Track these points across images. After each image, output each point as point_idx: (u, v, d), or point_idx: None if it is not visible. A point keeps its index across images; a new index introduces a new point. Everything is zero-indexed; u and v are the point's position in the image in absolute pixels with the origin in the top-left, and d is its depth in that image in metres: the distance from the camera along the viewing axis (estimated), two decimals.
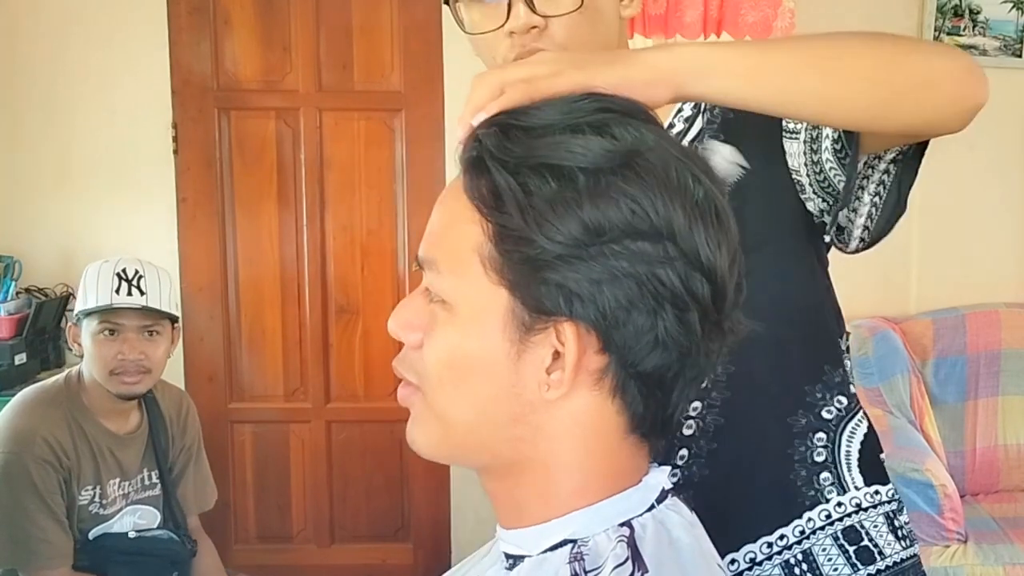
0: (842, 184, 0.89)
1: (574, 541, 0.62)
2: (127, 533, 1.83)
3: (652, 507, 0.64)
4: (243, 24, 2.82)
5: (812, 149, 0.89)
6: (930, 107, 0.75)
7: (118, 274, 1.74)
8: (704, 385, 0.90)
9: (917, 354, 2.76)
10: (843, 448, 0.95)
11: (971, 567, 2.31)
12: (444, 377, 0.63)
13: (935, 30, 2.84)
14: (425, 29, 2.80)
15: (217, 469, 2.12)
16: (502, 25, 0.89)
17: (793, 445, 0.94)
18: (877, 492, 0.96)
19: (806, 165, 0.91)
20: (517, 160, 0.59)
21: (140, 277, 1.75)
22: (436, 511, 2.96)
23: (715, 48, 0.73)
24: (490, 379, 0.61)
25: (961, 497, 2.45)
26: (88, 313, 1.75)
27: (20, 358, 2.56)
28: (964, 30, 2.85)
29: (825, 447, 0.95)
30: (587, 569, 0.60)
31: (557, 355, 0.60)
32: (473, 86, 0.68)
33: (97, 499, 1.80)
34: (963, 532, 2.37)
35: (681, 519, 0.65)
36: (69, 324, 1.85)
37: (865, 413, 0.99)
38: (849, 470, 0.95)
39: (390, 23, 2.82)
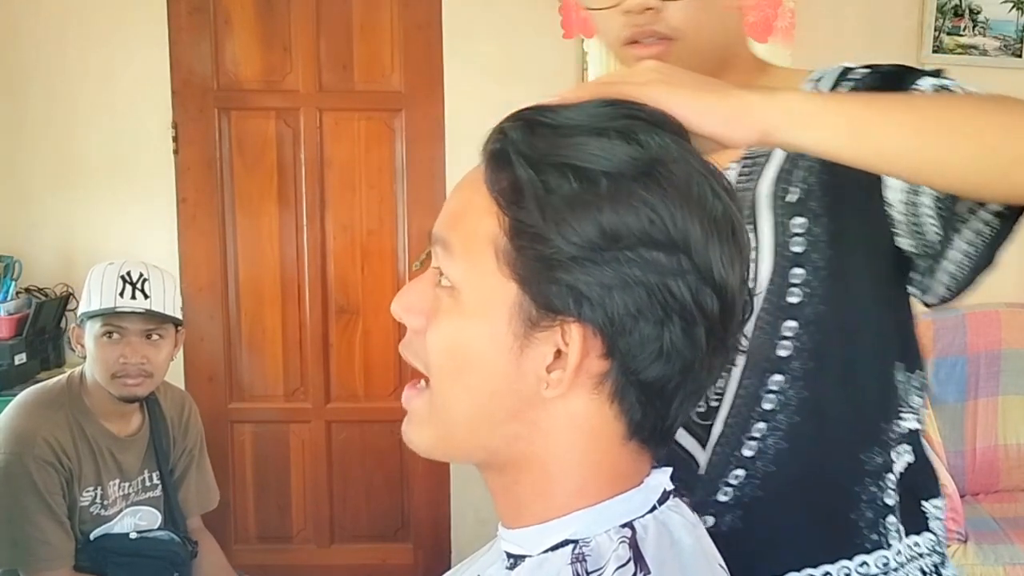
0: (936, 233, 0.82)
1: (575, 541, 0.62)
2: (128, 534, 1.83)
3: (654, 508, 0.64)
4: (243, 24, 2.82)
5: (913, 190, 0.83)
6: None
7: (122, 277, 1.74)
8: (771, 407, 0.87)
9: None
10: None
11: (971, 567, 2.31)
12: (444, 366, 0.63)
13: (935, 30, 2.83)
14: (425, 29, 2.80)
15: (217, 469, 2.12)
16: (619, 3, 0.89)
17: (863, 484, 0.89)
18: (917, 544, 0.92)
19: (904, 203, 0.84)
20: (541, 156, 0.59)
21: (144, 280, 1.75)
22: (436, 511, 2.96)
23: (813, 97, 0.71)
24: (490, 372, 0.61)
25: (961, 497, 2.46)
26: (91, 315, 1.75)
27: (20, 358, 2.55)
28: (964, 30, 2.85)
29: (895, 489, 0.90)
30: (589, 570, 0.60)
31: (559, 354, 0.60)
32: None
33: (98, 500, 1.80)
34: (963, 532, 2.37)
35: (683, 520, 0.65)
36: (72, 325, 1.85)
37: (913, 448, 0.92)
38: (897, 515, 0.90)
39: (390, 23, 2.82)
